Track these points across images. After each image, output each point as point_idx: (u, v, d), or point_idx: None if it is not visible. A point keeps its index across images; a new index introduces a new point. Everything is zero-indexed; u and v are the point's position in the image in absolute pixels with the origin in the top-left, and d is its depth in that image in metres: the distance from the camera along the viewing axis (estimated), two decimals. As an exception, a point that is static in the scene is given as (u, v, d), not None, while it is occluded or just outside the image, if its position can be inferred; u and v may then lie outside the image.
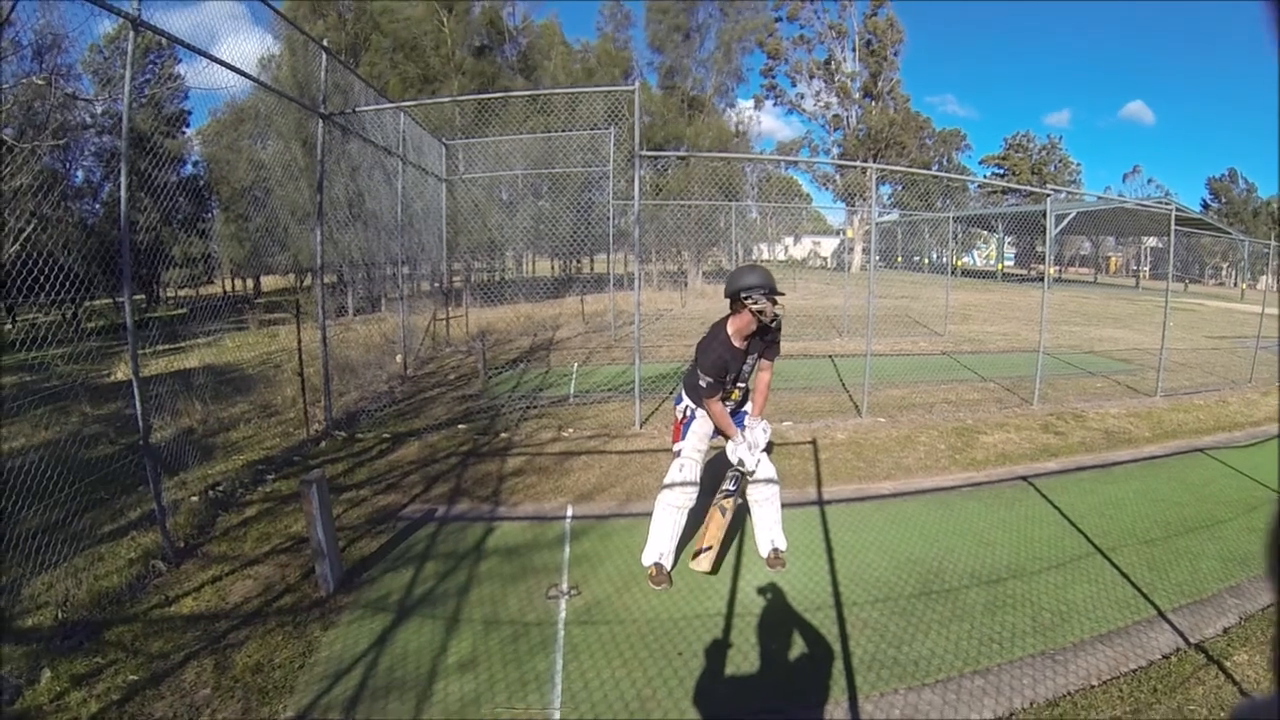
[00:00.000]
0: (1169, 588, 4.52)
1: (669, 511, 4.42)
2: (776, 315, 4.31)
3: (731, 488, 4.60)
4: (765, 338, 4.46)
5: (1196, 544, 5.12)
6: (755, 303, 4.19)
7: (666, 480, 4.50)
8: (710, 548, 4.45)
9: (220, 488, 5.81)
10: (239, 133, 21.85)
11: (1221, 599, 4.39)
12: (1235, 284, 49.38)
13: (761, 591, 4.36)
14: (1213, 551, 5.05)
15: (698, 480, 4.50)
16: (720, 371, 4.30)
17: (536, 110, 18.30)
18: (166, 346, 11.37)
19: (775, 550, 4.65)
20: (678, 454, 4.55)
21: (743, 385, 4.61)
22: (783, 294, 4.31)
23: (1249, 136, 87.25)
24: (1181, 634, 4.01)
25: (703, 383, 4.27)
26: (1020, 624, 4.07)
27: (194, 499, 5.47)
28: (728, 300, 4.37)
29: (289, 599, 4.17)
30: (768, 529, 4.66)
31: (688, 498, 4.44)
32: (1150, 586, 4.53)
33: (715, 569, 4.48)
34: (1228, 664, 3.70)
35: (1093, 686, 3.52)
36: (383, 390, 9.69)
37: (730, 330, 4.36)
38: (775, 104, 52.88)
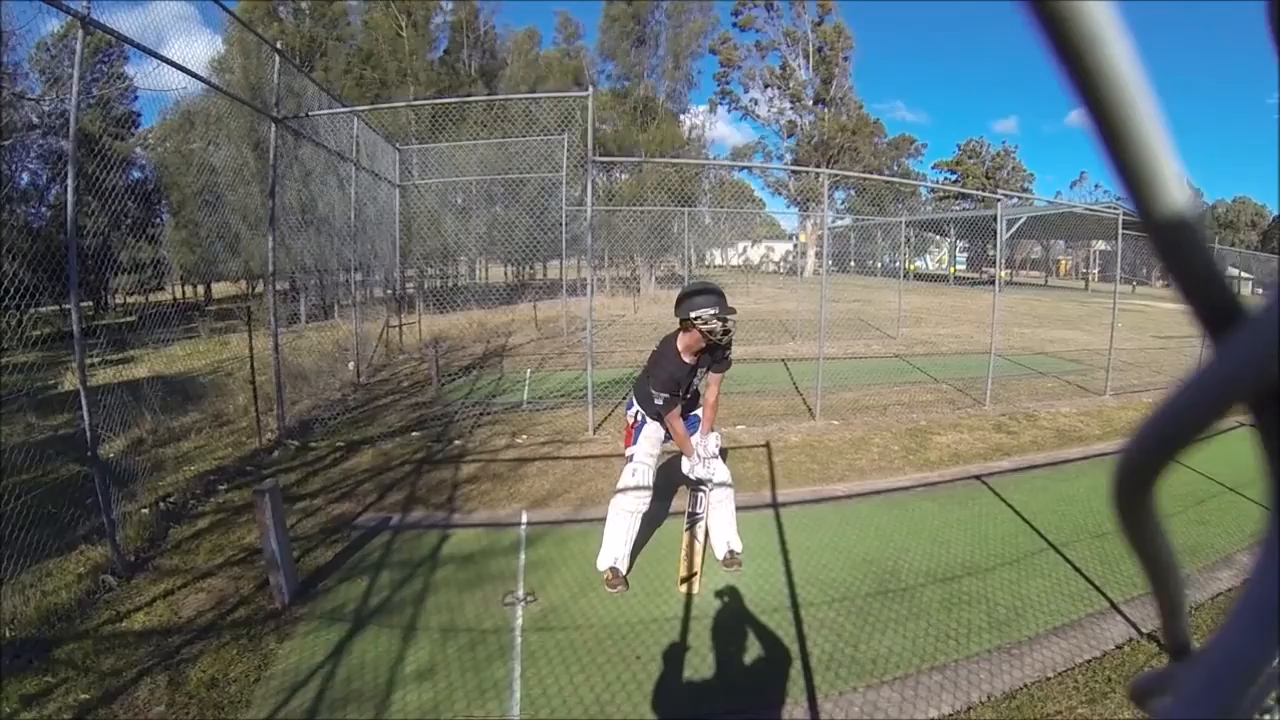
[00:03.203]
0: (1121, 580, 4.64)
1: (623, 516, 4.45)
2: (728, 331, 4.35)
3: (698, 511, 4.66)
4: (716, 353, 4.51)
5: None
6: (705, 323, 4.23)
7: (619, 485, 4.54)
8: (695, 574, 4.48)
9: (171, 499, 5.73)
10: (189, 136, 21.47)
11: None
12: (1180, 286, 50.44)
13: (718, 594, 4.41)
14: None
15: (650, 484, 4.54)
16: (673, 388, 4.35)
17: (492, 117, 18.23)
18: (115, 355, 11.15)
19: (731, 552, 4.70)
20: (630, 459, 4.58)
21: (689, 396, 4.65)
22: (734, 311, 4.35)
23: (1193, 141, 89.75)
24: (1134, 625, 4.14)
25: (658, 401, 4.33)
26: (976, 620, 4.17)
27: (144, 511, 5.38)
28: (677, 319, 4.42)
29: (243, 611, 4.13)
30: (723, 531, 4.72)
31: (641, 502, 4.47)
32: (1103, 579, 4.66)
33: (698, 590, 4.50)
34: (1179, 652, 3.82)
35: (1049, 678, 3.63)
36: (336, 398, 9.60)
37: (680, 346, 4.40)
38: (729, 110, 53.22)
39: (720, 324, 4.25)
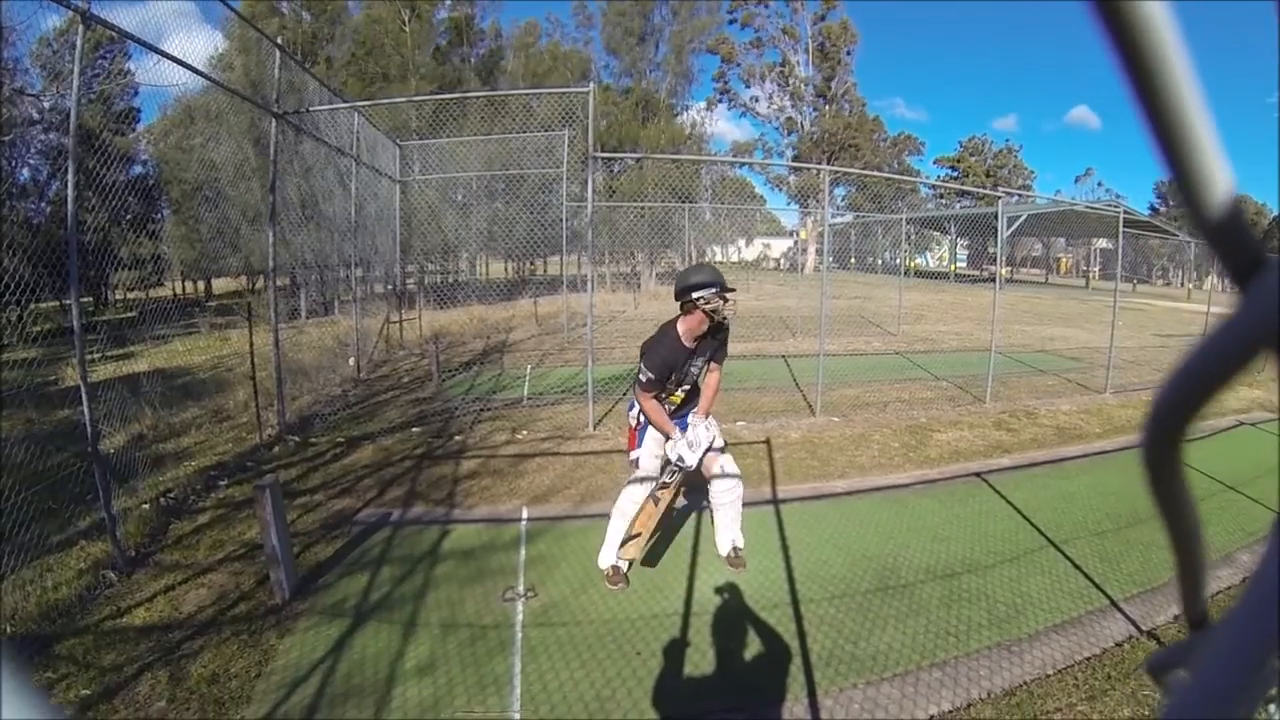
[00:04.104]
0: (1121, 578, 4.65)
1: (626, 518, 4.44)
2: (726, 316, 4.35)
3: (668, 479, 4.63)
4: (715, 338, 4.49)
5: (1147, 535, 5.23)
6: (708, 302, 4.21)
7: (627, 483, 4.53)
8: (639, 534, 4.39)
9: (172, 495, 5.73)
10: (190, 131, 21.44)
11: (1172, 587, 4.47)
12: (1182, 284, 50.48)
13: (718, 590, 4.41)
14: (1162, 542, 5.06)
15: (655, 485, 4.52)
16: (665, 370, 4.32)
17: (494, 112, 18.22)
18: (116, 351, 11.16)
19: (735, 549, 4.65)
20: (634, 462, 4.57)
21: (687, 386, 4.63)
22: (733, 289, 4.34)
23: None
24: (1134, 622, 4.14)
25: (643, 377, 4.30)
26: (976, 617, 4.16)
27: (145, 507, 5.38)
28: (678, 303, 4.40)
29: (244, 607, 4.13)
30: (729, 528, 4.67)
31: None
32: (1103, 577, 4.66)
33: (640, 555, 4.46)
34: (1180, 650, 3.83)
35: (1048, 675, 3.63)
36: (336, 394, 9.61)
37: (681, 330, 4.37)
38: (729, 107, 53.00)
39: (722, 302, 4.25)
